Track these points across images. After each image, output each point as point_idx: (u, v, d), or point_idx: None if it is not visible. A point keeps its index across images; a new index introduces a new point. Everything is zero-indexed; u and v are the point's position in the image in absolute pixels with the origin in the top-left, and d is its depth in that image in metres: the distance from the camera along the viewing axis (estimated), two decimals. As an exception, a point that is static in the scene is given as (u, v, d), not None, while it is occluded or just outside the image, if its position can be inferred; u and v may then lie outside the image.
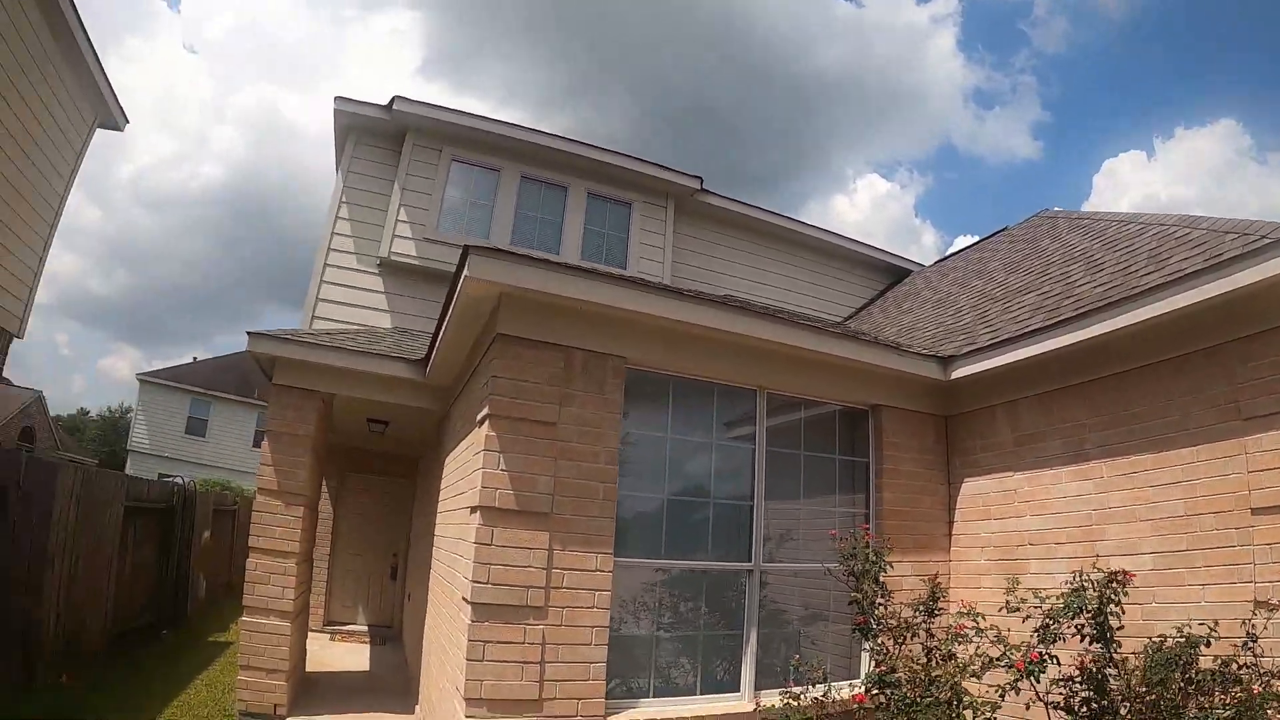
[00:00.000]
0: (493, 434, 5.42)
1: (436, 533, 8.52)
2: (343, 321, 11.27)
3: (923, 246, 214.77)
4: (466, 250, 5.36)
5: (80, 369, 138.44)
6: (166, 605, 13.19)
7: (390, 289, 11.86)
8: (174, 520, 13.50)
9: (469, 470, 6.07)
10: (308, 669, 10.56)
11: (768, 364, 6.69)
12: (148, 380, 41.88)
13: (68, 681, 8.81)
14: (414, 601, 11.92)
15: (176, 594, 13.65)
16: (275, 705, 8.51)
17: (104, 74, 11.79)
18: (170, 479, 16.67)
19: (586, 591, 5.55)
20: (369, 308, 11.70)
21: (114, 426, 64.31)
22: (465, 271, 5.37)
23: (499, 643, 5.23)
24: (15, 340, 11.34)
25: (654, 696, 6.03)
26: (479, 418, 5.76)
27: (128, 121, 12.94)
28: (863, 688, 5.41)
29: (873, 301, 14.99)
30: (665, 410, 6.50)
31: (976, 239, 14.80)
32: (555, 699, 5.33)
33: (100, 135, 12.63)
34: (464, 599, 5.45)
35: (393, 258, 11.67)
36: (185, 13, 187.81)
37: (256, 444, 38.99)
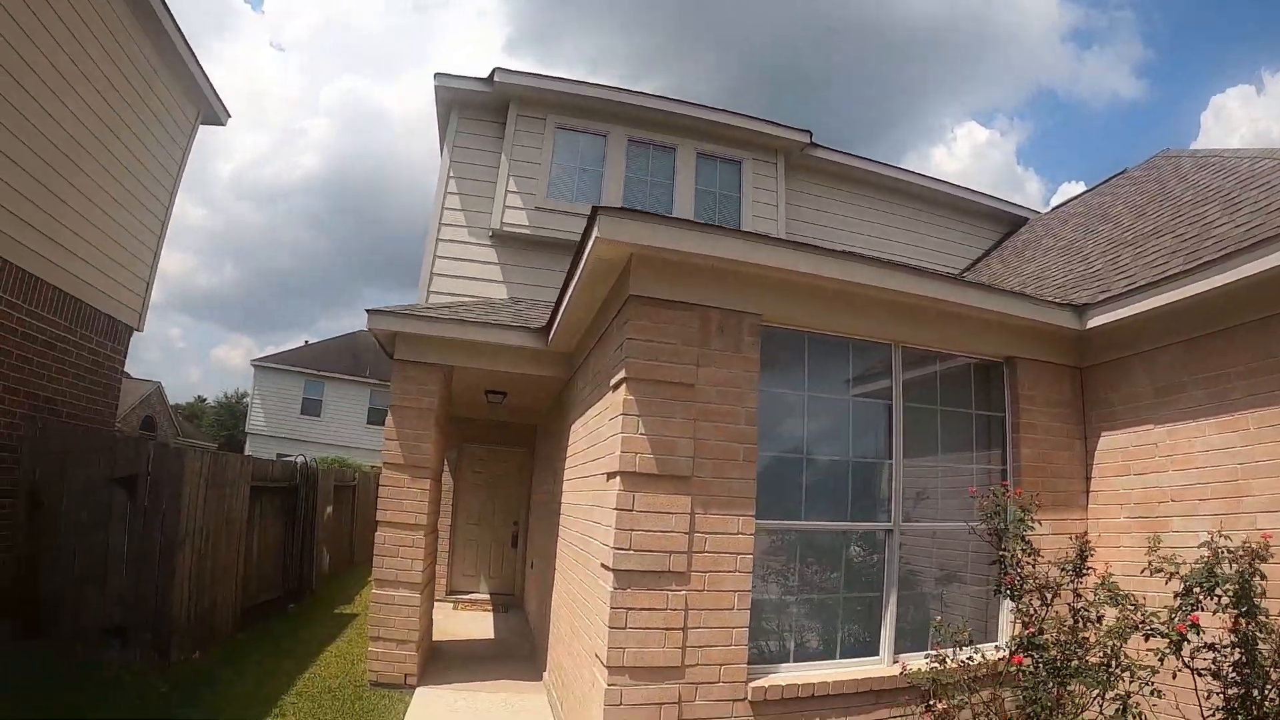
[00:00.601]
0: (630, 398, 5.29)
1: (564, 500, 8.40)
2: (458, 295, 11.22)
3: (1027, 195, 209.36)
4: (595, 211, 5.23)
5: (195, 360, 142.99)
6: (293, 580, 13.44)
7: (503, 260, 11.76)
8: (297, 497, 13.72)
9: (603, 436, 5.97)
10: (434, 638, 10.69)
11: (901, 317, 6.39)
12: (262, 365, 43.07)
13: (200, 658, 8.99)
14: (537, 569, 11.92)
15: (302, 568, 13.89)
16: (405, 675, 8.61)
17: (201, 70, 11.97)
18: (289, 458, 16.99)
19: (728, 555, 5.39)
20: (483, 279, 11.63)
21: (231, 411, 66.00)
22: (595, 232, 5.24)
23: (641, 609, 5.13)
24: (135, 334, 11.66)
25: (793, 661, 5.88)
26: (613, 382, 5.64)
27: (229, 115, 13.13)
28: (1009, 650, 5.28)
29: (989, 252, 14.42)
30: (800, 368, 6.23)
31: (1085, 186, 14.23)
32: (697, 665, 5.22)
33: (201, 134, 12.82)
34: (604, 566, 5.37)
35: (504, 228, 11.59)
36: (268, 12, 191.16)
37: (370, 421, 40.77)
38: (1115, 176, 13.39)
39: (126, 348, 11.48)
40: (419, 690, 8.57)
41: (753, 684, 5.36)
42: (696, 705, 5.19)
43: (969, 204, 14.82)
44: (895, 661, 5.99)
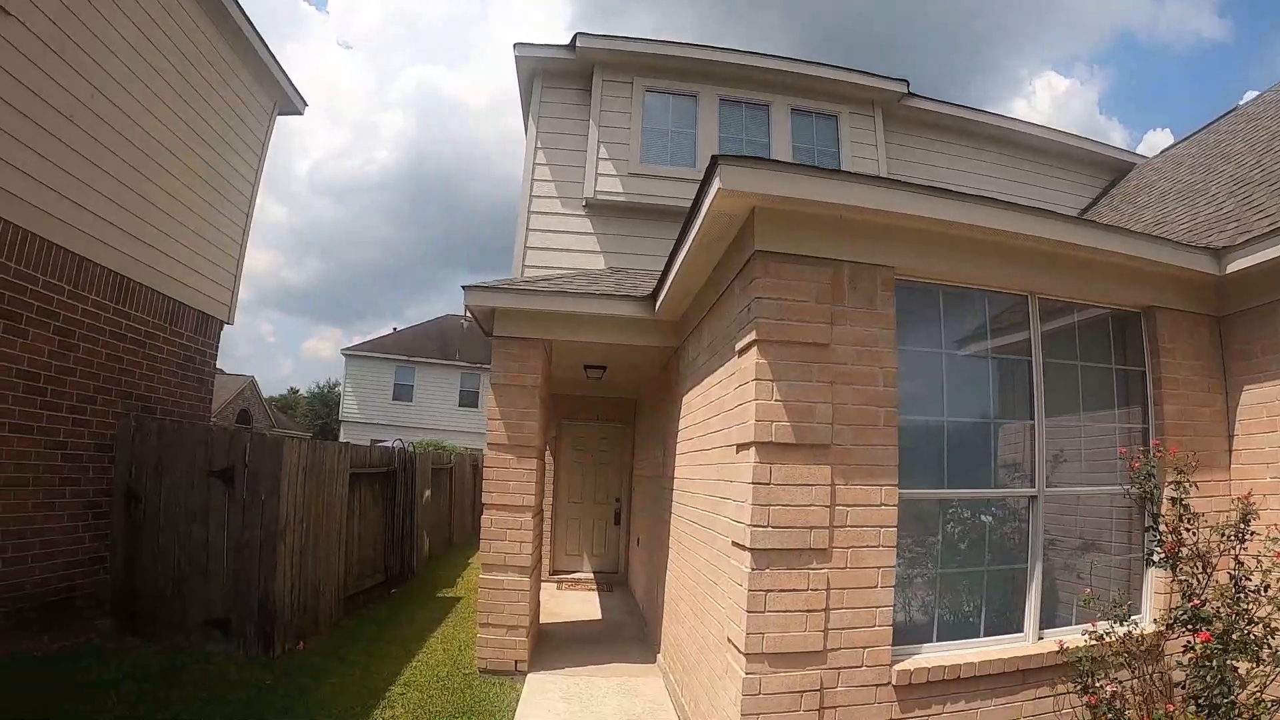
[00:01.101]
0: (763, 361, 4.88)
1: (679, 475, 8.05)
2: (553, 268, 10.90)
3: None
4: (715, 161, 4.79)
5: (286, 353, 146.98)
6: (394, 565, 13.30)
7: (598, 229, 11.36)
8: (395, 482, 13.56)
9: (727, 405, 5.63)
10: (541, 620, 10.44)
11: (1035, 266, 5.84)
12: (352, 354, 43.52)
13: (304, 648, 8.83)
14: (643, 546, 11.69)
15: (403, 553, 13.76)
16: (516, 662, 8.38)
17: (274, 59, 11.83)
18: (382, 443, 16.83)
19: (871, 529, 4.99)
20: (579, 251, 11.27)
21: (323, 401, 67.12)
22: (715, 184, 4.82)
23: (781, 591, 4.77)
24: (225, 328, 11.62)
25: (936, 640, 5.44)
26: (739, 347, 5.28)
27: (306, 104, 12.97)
28: (1164, 624, 5.07)
29: (1097, 201, 13.60)
30: (935, 323, 5.76)
31: (1172, 132, 13.48)
32: (839, 649, 4.85)
33: (278, 135, 12.75)
34: (737, 545, 5.03)
35: (598, 197, 11.19)
36: (333, 12, 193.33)
37: (462, 404, 41.36)
38: (1226, 115, 12.64)
39: (217, 342, 11.42)
40: (530, 677, 8.33)
41: (897, 667, 4.98)
42: (838, 692, 4.85)
43: (1071, 150, 13.92)
44: (1041, 638, 5.61)
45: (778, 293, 4.98)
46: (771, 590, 4.75)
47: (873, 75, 12.20)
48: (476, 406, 41.56)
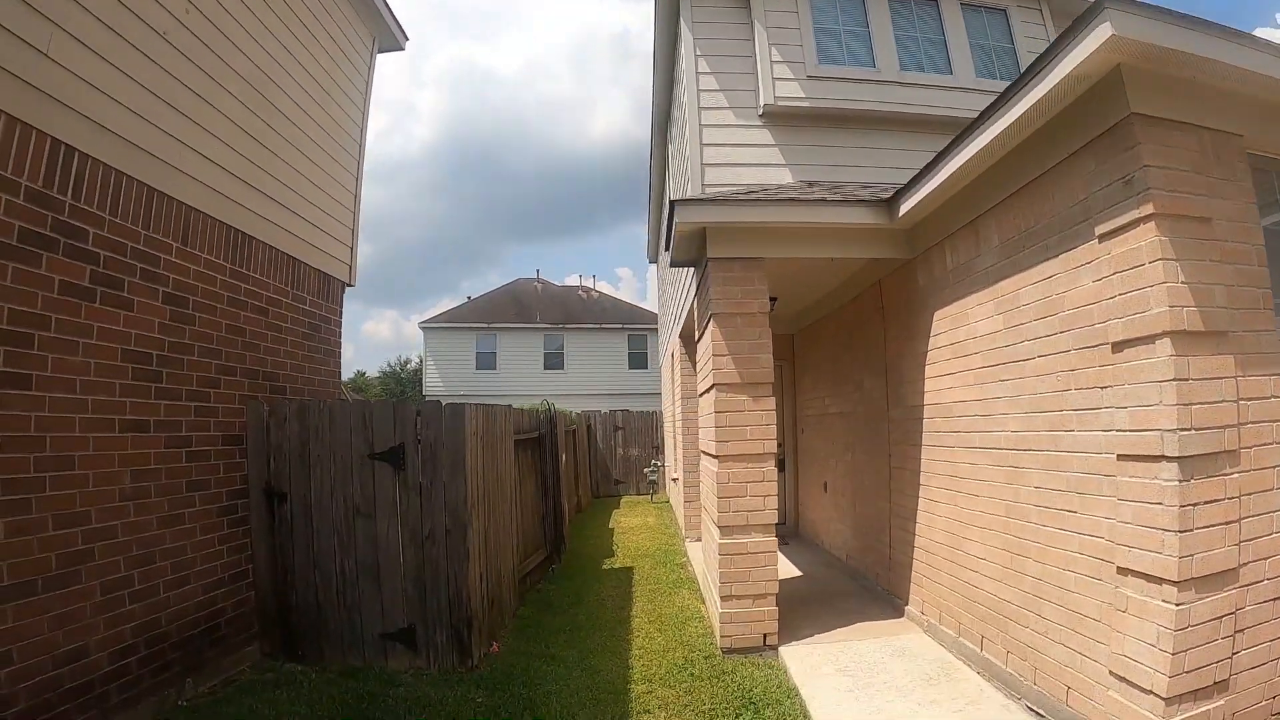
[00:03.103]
0: (1162, 238, 4.27)
1: (941, 400, 7.11)
2: (733, 185, 9.40)
3: None
4: (1100, 3, 4.13)
5: (346, 338, 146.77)
6: (549, 538, 12.00)
7: (779, 140, 9.71)
8: (544, 447, 12.18)
9: (1080, 301, 4.93)
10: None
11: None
12: (431, 327, 42.50)
13: (498, 651, 7.55)
14: (840, 492, 10.78)
15: (557, 524, 12.41)
16: (765, 635, 7.29)
17: (376, -9, 10.21)
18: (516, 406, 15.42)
19: (1268, 425, 4.44)
20: (761, 165, 9.67)
21: (395, 379, 68.19)
22: (1092, 37, 4.23)
23: (1205, 504, 4.20)
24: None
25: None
26: (1109, 228, 4.60)
27: (407, 39, 11.33)
28: None
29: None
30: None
31: None
32: (1248, 564, 4.35)
33: None
34: (1135, 457, 4.42)
35: (778, 103, 9.51)
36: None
37: (547, 366, 40.83)
38: None
39: (341, 307, 9.79)
40: (782, 651, 7.17)
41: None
42: (1247, 612, 4.35)
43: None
44: None
45: (1162, 160, 4.39)
46: (1197, 504, 4.18)
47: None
48: (561, 369, 41.05)
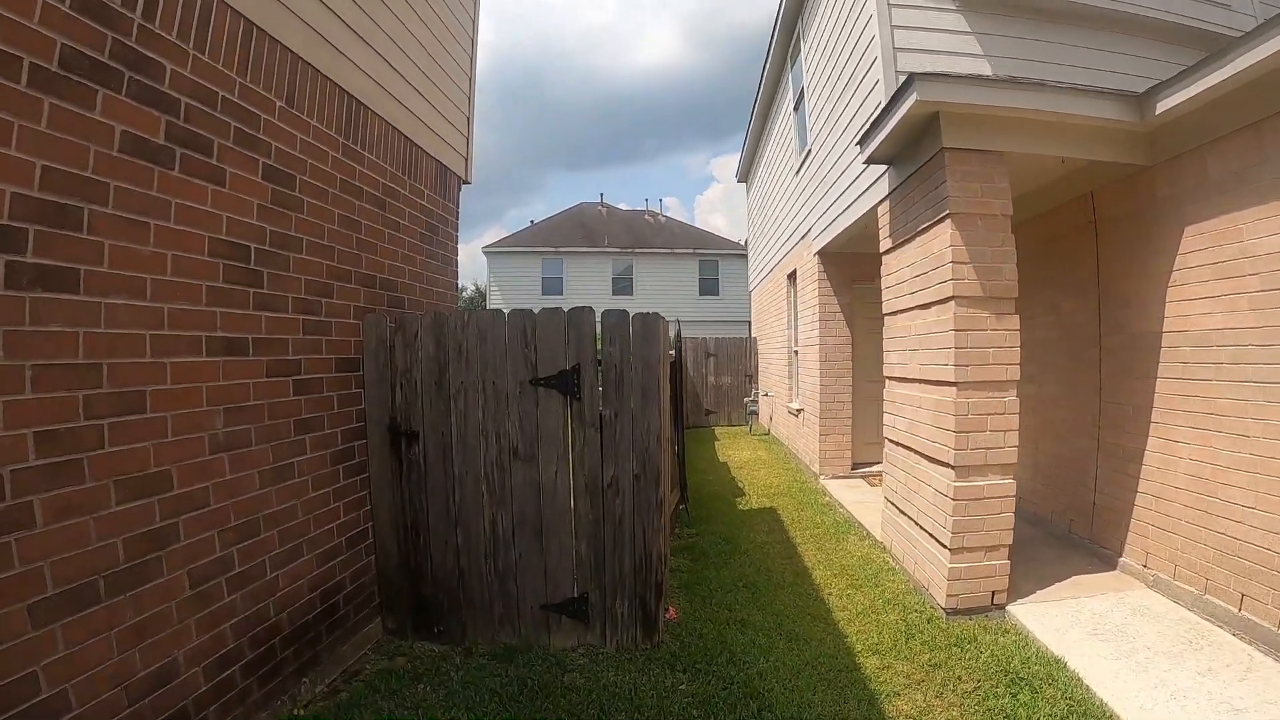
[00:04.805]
0: None
1: (1185, 329, 6.06)
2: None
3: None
4: None
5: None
6: (677, 476, 10.32)
7: (979, 28, 7.75)
8: (677, 373, 10.41)
9: None
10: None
11: None
12: (495, 251, 41.14)
13: (674, 616, 6.18)
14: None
15: (682, 459, 10.82)
16: (994, 593, 6.21)
17: None
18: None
19: None
20: (957, 53, 7.75)
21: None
22: None
23: None
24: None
25: None
26: None
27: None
28: None
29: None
30: None
31: None
32: None
33: None
34: None
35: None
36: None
37: (615, 292, 39.66)
38: None
39: (458, 208, 8.07)
40: (1012, 611, 6.14)
41: None
42: None
43: None
44: None
45: None
46: None
47: None
48: (630, 294, 39.61)
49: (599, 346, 5.46)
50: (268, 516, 4.53)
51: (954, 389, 6.07)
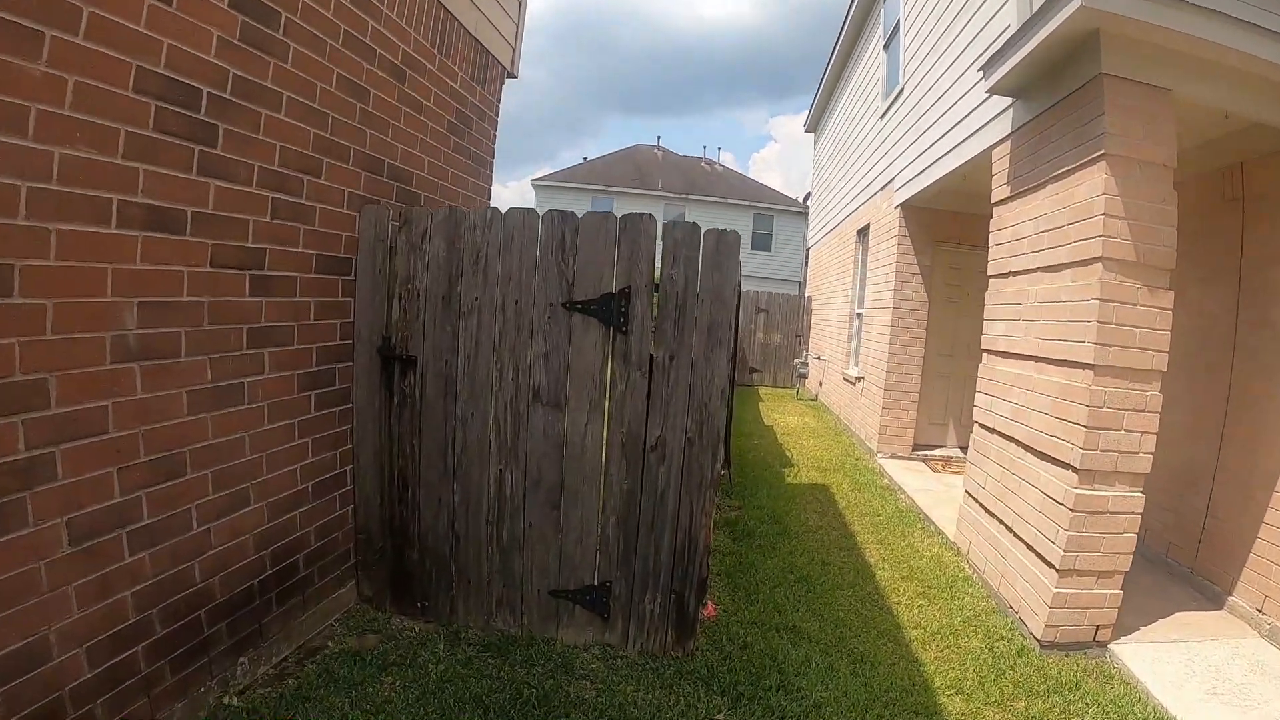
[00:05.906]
0: None
1: None
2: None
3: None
4: None
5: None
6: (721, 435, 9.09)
7: None
8: (734, 317, 9.22)
9: None
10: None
11: None
12: (544, 185, 40.42)
13: (713, 614, 5.13)
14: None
15: (729, 418, 9.53)
16: (1098, 627, 5.07)
17: None
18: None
19: None
20: None
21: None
22: None
23: None
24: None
25: None
26: None
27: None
28: None
29: None
30: None
31: None
32: None
33: None
34: None
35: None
36: None
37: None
38: None
39: (499, 101, 6.80)
40: (1116, 650, 5.01)
41: None
42: None
43: None
44: None
45: None
46: None
47: None
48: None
49: (657, 268, 4.29)
50: (198, 452, 3.42)
51: (1089, 373, 4.90)
